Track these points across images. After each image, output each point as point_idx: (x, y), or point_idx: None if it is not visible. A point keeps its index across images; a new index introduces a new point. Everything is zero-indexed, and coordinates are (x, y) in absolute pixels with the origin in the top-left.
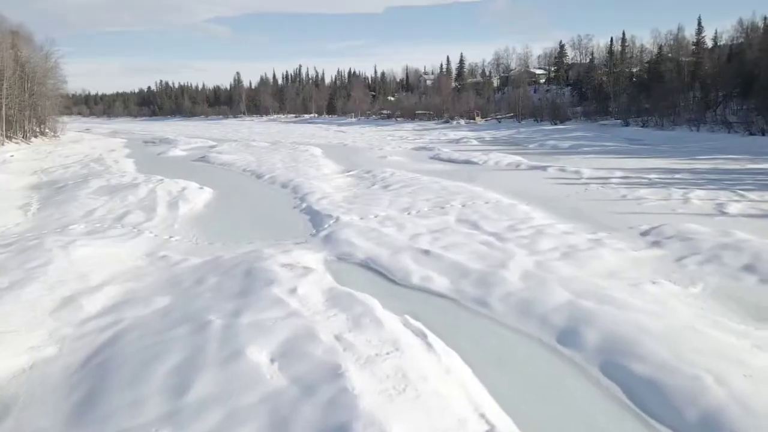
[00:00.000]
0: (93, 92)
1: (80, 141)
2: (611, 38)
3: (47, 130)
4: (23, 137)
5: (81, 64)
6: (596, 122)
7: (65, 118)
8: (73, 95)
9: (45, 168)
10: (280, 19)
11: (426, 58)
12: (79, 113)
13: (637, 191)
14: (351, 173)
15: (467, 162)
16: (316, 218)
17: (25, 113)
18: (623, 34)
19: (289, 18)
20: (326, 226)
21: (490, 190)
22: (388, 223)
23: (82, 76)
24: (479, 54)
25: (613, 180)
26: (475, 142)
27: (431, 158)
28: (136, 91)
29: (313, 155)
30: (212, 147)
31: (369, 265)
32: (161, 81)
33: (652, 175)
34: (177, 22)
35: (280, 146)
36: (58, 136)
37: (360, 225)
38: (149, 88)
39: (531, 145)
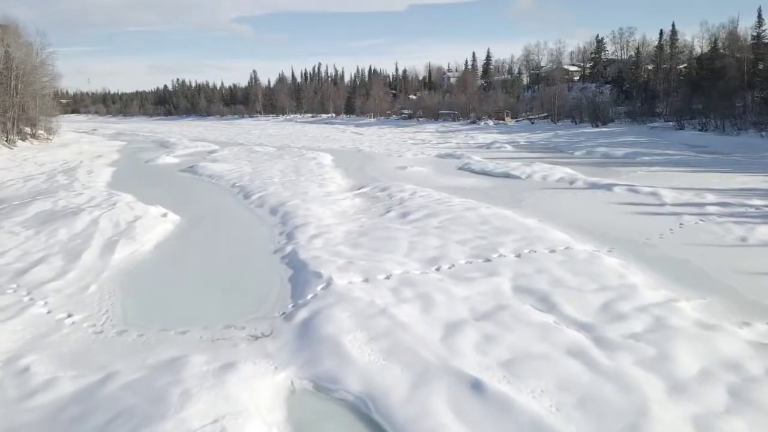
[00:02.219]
0: (118, 91)
1: (71, 144)
2: (660, 31)
3: (40, 132)
4: (6, 140)
5: (105, 63)
6: (644, 124)
7: (80, 117)
8: (93, 94)
9: (2, 182)
10: (302, 18)
11: (449, 56)
12: (96, 112)
13: (756, 229)
14: (362, 191)
15: (506, 176)
16: (298, 277)
17: (8, 114)
18: (673, 26)
19: (312, 17)
20: (310, 296)
21: (548, 223)
22: (406, 292)
23: (107, 75)
24: (504, 51)
25: (710, 208)
26: (509, 148)
27: (460, 169)
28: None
29: (320, 164)
30: (211, 152)
31: (368, 415)
32: (178, 79)
33: (756, 201)
34: (200, 21)
35: (286, 152)
36: (50, 139)
37: (362, 297)
38: (165, 86)
39: (577, 153)
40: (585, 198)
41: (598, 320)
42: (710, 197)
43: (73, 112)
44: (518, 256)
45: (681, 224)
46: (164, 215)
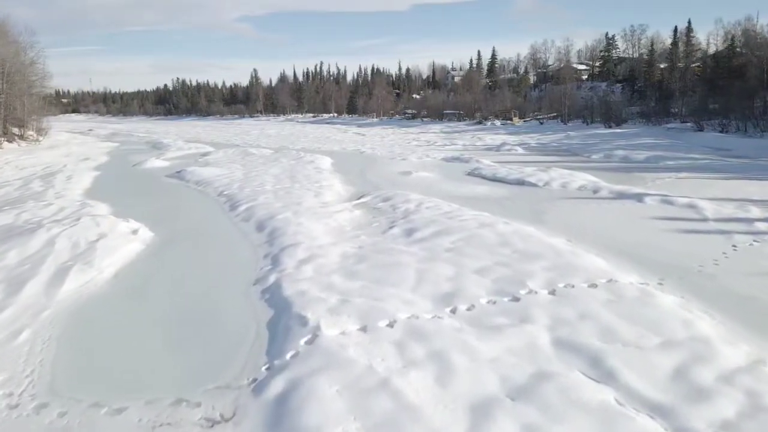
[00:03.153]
0: (119, 90)
1: (60, 146)
2: (675, 28)
3: (30, 133)
4: None
5: (108, 63)
6: (659, 125)
7: (80, 117)
8: (93, 93)
9: None
10: (304, 18)
11: (453, 55)
12: (96, 112)
13: None
14: (362, 201)
15: (521, 183)
16: (279, 323)
17: None
18: (689, 23)
19: (314, 16)
20: (289, 355)
21: (579, 244)
22: (415, 349)
23: (110, 74)
24: (509, 51)
25: (760, 225)
26: (520, 150)
27: (469, 174)
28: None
29: (318, 169)
30: (204, 155)
31: None
32: (178, 79)
33: None
34: (202, 21)
35: (283, 154)
36: (39, 140)
37: (357, 360)
38: (165, 86)
39: (594, 156)
40: (614, 210)
41: (674, 398)
42: (755, 211)
43: (73, 111)
44: (552, 292)
45: (734, 246)
46: (135, 232)
